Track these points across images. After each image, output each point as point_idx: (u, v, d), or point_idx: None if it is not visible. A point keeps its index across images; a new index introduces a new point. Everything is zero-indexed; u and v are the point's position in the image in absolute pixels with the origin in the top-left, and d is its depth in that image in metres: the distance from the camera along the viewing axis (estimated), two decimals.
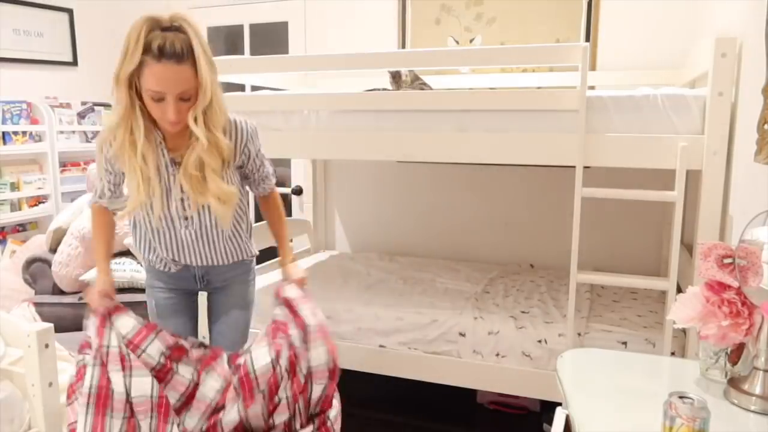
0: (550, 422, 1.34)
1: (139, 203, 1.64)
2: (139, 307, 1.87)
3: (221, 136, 1.61)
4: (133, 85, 1.52)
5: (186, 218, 1.72)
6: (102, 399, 1.55)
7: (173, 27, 1.49)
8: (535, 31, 3.16)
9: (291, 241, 1.97)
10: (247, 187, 1.93)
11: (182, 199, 1.70)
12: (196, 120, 1.54)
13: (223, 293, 1.89)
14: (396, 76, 2.65)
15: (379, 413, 2.80)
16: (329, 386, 1.64)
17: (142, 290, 2.01)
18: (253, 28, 3.87)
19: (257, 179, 1.89)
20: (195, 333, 1.93)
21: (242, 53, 3.85)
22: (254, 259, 1.97)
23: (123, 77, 1.49)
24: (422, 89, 2.64)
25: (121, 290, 2.78)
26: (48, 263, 3.11)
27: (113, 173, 1.73)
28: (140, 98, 1.54)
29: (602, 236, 3.19)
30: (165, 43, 1.45)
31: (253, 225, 2.02)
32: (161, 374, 1.62)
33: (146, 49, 1.46)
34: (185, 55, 1.48)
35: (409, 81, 2.65)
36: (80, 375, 1.62)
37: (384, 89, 2.60)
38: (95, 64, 4.26)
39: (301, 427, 1.62)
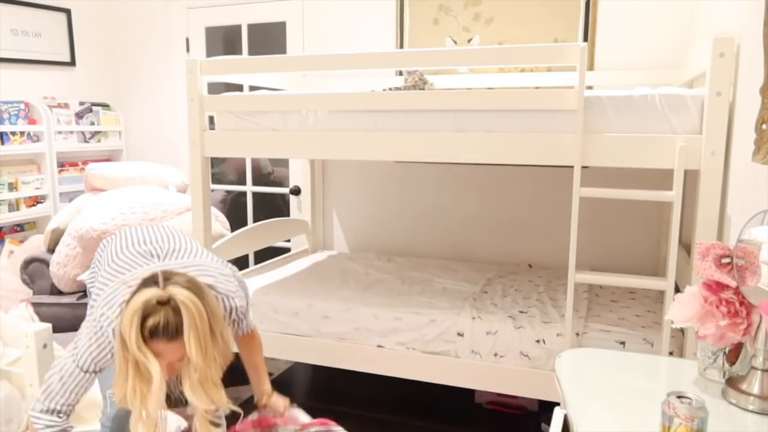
0: (548, 422, 1.34)
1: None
2: None
3: (221, 361, 1.53)
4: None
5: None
6: None
7: (170, 303, 1.43)
8: (533, 31, 3.17)
9: None
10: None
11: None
12: (190, 387, 1.48)
13: None
14: (412, 73, 2.69)
15: (377, 413, 2.80)
16: None
17: None
18: (251, 28, 3.87)
19: (239, 328, 1.83)
20: None
21: (240, 53, 3.85)
22: None
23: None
24: (422, 89, 2.65)
25: None
26: (46, 263, 3.11)
27: (97, 372, 1.58)
28: None
29: (600, 236, 3.20)
30: (159, 324, 1.41)
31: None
32: None
33: (142, 322, 1.41)
34: (178, 333, 1.43)
35: (420, 81, 2.69)
36: None
37: (396, 88, 2.61)
38: (93, 65, 4.26)
39: None
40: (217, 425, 1.67)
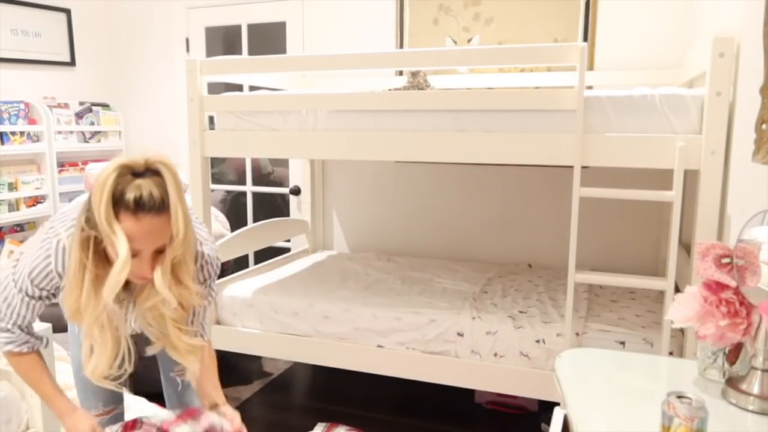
0: (548, 422, 1.34)
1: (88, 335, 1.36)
2: None
3: (191, 284, 1.36)
4: (90, 239, 1.27)
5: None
6: None
7: (149, 171, 1.26)
8: (532, 31, 3.17)
9: None
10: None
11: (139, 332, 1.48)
12: (162, 275, 1.29)
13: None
14: (415, 74, 2.69)
15: (376, 413, 2.80)
16: None
17: None
18: (251, 28, 3.86)
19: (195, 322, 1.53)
20: None
21: (240, 53, 3.85)
22: None
23: (80, 233, 1.27)
24: (422, 89, 2.66)
25: None
26: None
27: (43, 297, 1.43)
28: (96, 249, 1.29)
29: (600, 236, 3.20)
30: (141, 194, 1.21)
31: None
32: None
33: (117, 201, 1.20)
34: (164, 205, 1.24)
35: (423, 81, 2.69)
36: None
37: (397, 89, 2.61)
38: (93, 65, 4.26)
39: None
40: (194, 334, 1.47)
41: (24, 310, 1.41)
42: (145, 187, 1.22)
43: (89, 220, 1.25)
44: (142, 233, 1.22)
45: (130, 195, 1.20)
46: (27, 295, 1.39)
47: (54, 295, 1.44)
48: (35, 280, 1.37)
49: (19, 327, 1.43)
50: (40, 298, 1.42)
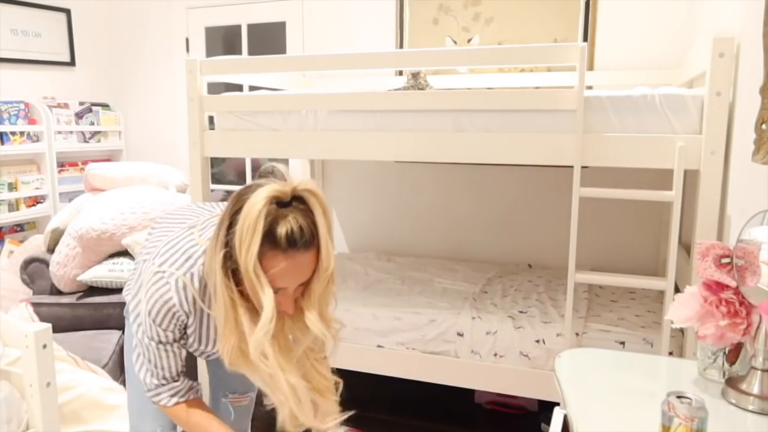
0: (548, 422, 1.34)
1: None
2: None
3: (330, 314, 1.29)
4: (229, 272, 1.18)
5: None
6: None
7: (295, 199, 1.15)
8: (532, 31, 3.17)
9: None
10: None
11: None
12: (314, 316, 1.22)
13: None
14: (416, 75, 2.71)
15: (376, 413, 2.80)
16: None
17: None
18: (251, 28, 3.87)
19: None
20: None
21: (240, 53, 3.85)
22: None
23: (223, 272, 1.16)
24: (422, 89, 2.66)
25: (117, 290, 2.78)
26: (46, 263, 3.11)
27: (177, 339, 1.33)
28: (236, 281, 1.19)
29: (600, 236, 3.20)
30: (291, 229, 1.11)
31: None
32: None
33: (264, 237, 1.10)
34: (313, 239, 1.15)
35: (423, 85, 2.70)
36: None
37: (397, 89, 2.62)
38: (93, 65, 4.26)
39: None
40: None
41: (166, 360, 1.31)
42: (295, 220, 1.12)
43: (230, 257, 1.14)
44: (289, 270, 1.14)
45: (281, 231, 1.10)
46: (160, 342, 1.29)
47: (183, 337, 1.34)
48: (162, 324, 1.27)
49: (173, 378, 1.34)
50: (174, 340, 1.31)
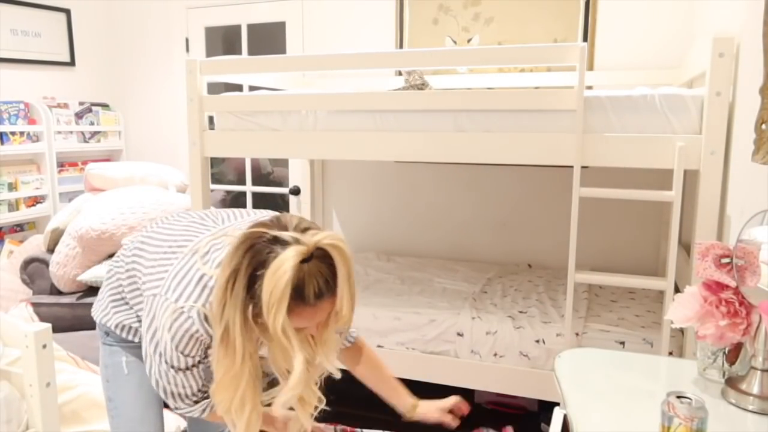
0: (548, 422, 1.34)
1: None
2: None
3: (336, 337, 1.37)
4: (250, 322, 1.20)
5: None
6: None
7: (318, 250, 1.16)
8: (532, 31, 3.17)
9: None
10: None
11: None
12: (325, 354, 1.33)
13: None
14: (410, 73, 2.71)
15: (376, 413, 2.79)
16: None
17: None
18: (251, 28, 3.87)
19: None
20: None
21: (240, 53, 3.85)
22: None
23: (242, 320, 1.18)
24: (420, 86, 2.66)
25: None
26: (46, 263, 3.11)
27: (197, 363, 1.35)
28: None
29: (600, 236, 3.20)
30: (318, 285, 1.14)
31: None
32: None
33: (295, 294, 1.13)
34: (335, 287, 1.18)
35: (419, 81, 2.69)
36: None
37: (397, 89, 2.62)
38: (93, 65, 4.26)
39: None
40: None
41: (192, 380, 1.34)
42: (320, 275, 1.15)
43: (258, 309, 1.16)
44: (313, 317, 1.20)
45: (309, 291, 1.14)
46: (180, 369, 1.31)
47: (205, 358, 1.35)
48: (191, 352, 1.29)
49: (200, 391, 1.37)
50: (194, 365, 1.33)
